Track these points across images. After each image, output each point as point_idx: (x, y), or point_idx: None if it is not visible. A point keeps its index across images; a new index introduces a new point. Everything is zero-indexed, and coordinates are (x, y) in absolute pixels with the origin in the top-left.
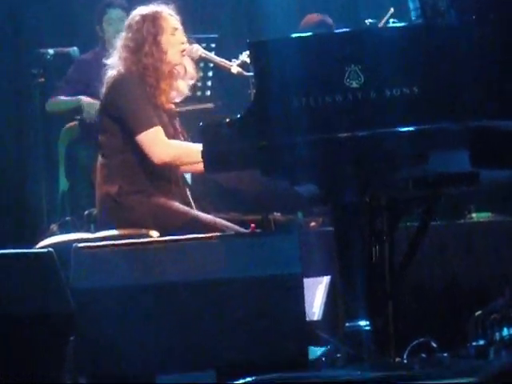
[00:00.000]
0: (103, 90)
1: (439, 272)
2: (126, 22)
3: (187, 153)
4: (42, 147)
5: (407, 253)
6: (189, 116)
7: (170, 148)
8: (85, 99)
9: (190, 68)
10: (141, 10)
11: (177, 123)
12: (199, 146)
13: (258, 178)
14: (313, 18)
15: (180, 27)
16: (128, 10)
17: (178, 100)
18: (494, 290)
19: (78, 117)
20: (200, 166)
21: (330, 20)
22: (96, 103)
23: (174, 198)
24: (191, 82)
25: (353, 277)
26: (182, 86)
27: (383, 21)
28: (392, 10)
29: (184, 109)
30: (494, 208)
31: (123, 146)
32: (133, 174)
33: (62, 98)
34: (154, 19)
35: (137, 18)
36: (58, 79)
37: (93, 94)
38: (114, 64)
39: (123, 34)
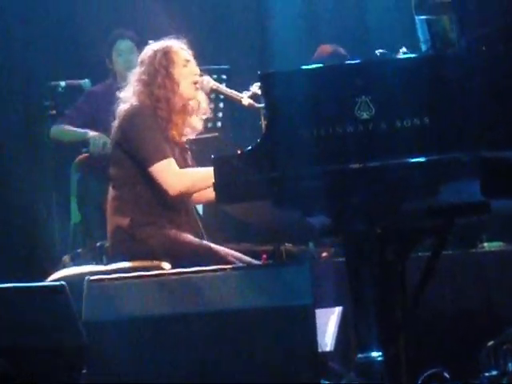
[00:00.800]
0: (115, 122)
1: (451, 302)
2: (139, 58)
3: (200, 179)
4: (54, 179)
5: (419, 283)
6: (197, 146)
7: (183, 177)
8: (91, 133)
9: (204, 103)
10: (153, 46)
11: (188, 158)
12: (210, 170)
13: (269, 209)
14: (326, 48)
15: (192, 59)
16: (137, 42)
17: (192, 136)
18: (506, 319)
19: (84, 149)
20: (212, 195)
21: (342, 50)
22: (103, 136)
23: (186, 229)
24: (204, 117)
25: (365, 307)
26: (195, 122)
27: None
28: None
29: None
30: (506, 237)
31: (134, 178)
32: (144, 205)
33: (70, 128)
34: (165, 53)
35: (149, 52)
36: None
37: (99, 127)
38: (128, 98)
39: (137, 69)
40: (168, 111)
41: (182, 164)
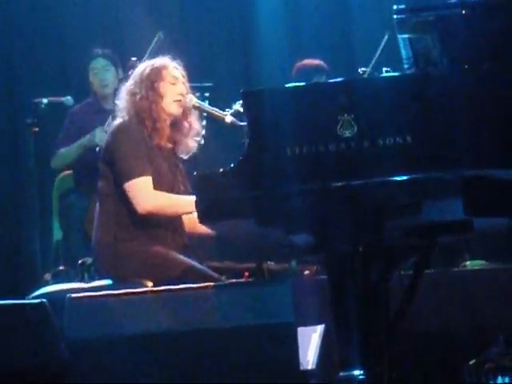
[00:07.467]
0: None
1: (433, 320)
2: (134, 71)
3: (173, 204)
4: (36, 197)
5: (401, 301)
6: None
7: (155, 198)
8: (90, 134)
9: (196, 124)
10: (148, 61)
11: (178, 171)
12: (188, 199)
13: (252, 227)
14: (309, 62)
15: (182, 79)
16: (113, 58)
17: (185, 157)
18: (488, 338)
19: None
20: (195, 227)
21: (324, 64)
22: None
23: (171, 246)
24: (197, 139)
25: (347, 326)
26: (189, 143)
27: None
28: None
29: None
30: (488, 256)
31: (119, 193)
32: (128, 221)
33: (66, 148)
34: (155, 68)
35: (143, 65)
36: (53, 129)
37: None
38: (120, 105)
39: (128, 82)
40: (152, 120)
41: (170, 176)
